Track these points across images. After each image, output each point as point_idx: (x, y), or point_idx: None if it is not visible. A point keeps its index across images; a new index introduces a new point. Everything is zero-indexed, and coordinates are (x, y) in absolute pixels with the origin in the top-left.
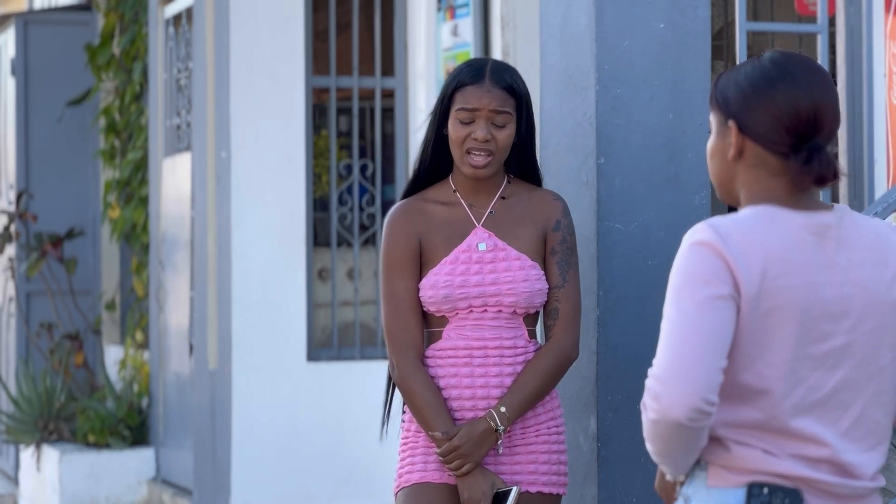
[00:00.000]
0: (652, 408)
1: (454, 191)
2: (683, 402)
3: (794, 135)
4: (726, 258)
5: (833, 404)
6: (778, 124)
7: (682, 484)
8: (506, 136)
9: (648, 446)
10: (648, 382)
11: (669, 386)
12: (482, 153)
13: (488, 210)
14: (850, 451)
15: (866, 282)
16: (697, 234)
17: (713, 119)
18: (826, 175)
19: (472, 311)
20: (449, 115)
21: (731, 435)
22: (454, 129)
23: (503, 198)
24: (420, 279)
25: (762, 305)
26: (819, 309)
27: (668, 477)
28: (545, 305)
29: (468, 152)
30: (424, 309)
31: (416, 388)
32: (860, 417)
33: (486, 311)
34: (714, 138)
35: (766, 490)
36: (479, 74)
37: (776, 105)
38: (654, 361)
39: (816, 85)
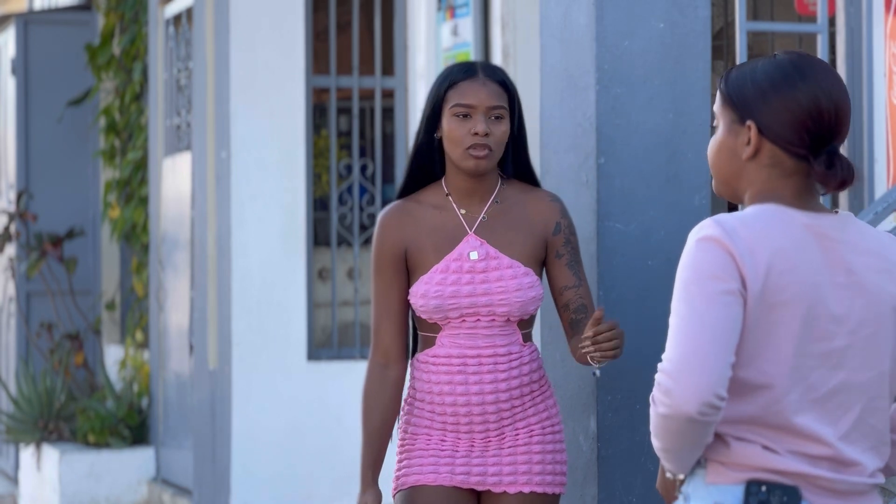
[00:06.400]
0: (663, 402)
1: (447, 195)
2: (695, 396)
3: (814, 136)
4: (733, 254)
5: (833, 405)
6: (800, 125)
7: (682, 482)
8: (503, 131)
9: (655, 442)
10: (658, 377)
11: (681, 380)
12: (482, 147)
13: (481, 216)
14: (849, 450)
15: (869, 287)
16: (704, 230)
17: (722, 116)
18: (848, 178)
19: (464, 320)
20: (442, 116)
21: (731, 431)
22: (451, 127)
23: (497, 202)
24: (405, 284)
25: (766, 301)
26: (822, 308)
27: (669, 475)
28: (570, 303)
29: (469, 147)
30: (417, 314)
31: (363, 402)
32: (858, 421)
33: (479, 319)
34: (723, 135)
35: (764, 488)
36: (472, 71)
37: (799, 106)
38: (664, 356)
39: (836, 87)
